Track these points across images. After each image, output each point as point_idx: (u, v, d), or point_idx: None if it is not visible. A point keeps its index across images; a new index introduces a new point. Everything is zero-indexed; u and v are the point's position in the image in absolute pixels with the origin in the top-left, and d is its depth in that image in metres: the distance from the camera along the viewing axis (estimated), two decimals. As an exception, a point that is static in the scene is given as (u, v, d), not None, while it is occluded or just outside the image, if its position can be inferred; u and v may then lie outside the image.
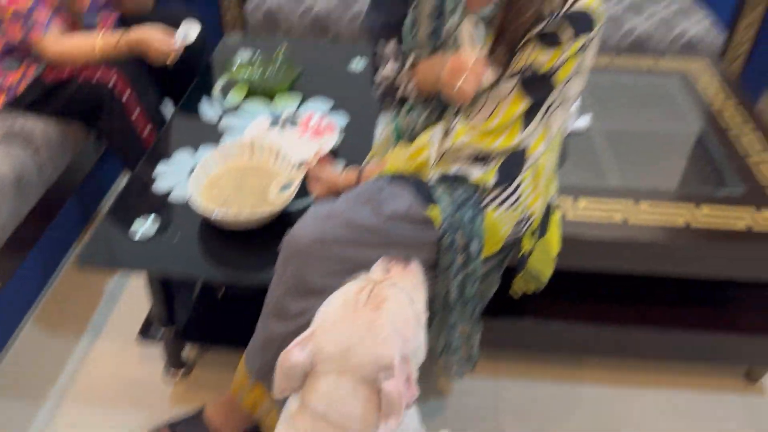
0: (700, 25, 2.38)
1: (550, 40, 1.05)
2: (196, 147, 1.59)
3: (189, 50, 1.76)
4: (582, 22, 1.04)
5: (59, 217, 1.83)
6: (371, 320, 0.86)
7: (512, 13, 1.03)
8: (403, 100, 1.28)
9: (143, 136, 1.72)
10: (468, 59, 1.05)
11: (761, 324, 1.54)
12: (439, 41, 1.16)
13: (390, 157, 1.24)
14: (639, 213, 1.42)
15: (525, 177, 1.18)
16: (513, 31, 1.04)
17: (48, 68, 1.69)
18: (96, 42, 1.64)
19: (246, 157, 1.49)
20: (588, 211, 1.42)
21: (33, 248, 1.71)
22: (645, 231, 1.39)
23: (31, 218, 1.66)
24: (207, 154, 1.46)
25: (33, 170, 1.65)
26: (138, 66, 1.73)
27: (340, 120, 1.71)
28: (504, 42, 1.06)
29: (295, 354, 0.87)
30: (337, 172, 1.34)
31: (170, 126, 1.68)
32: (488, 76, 1.07)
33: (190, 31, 1.72)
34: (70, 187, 1.88)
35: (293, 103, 1.78)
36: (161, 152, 1.57)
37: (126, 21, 1.86)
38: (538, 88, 1.08)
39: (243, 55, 1.95)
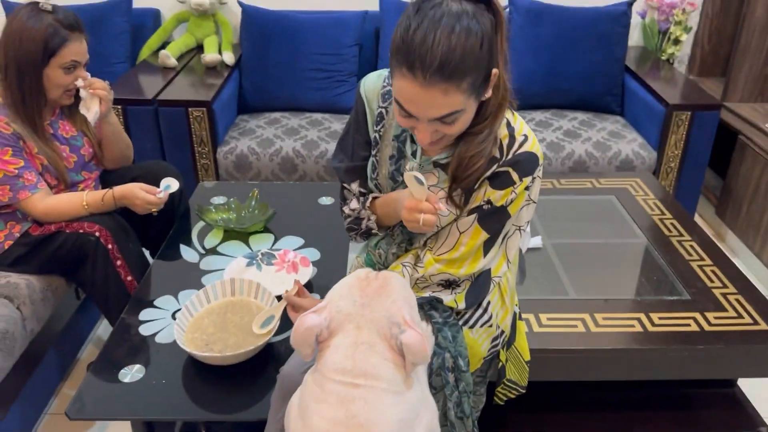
0: (632, 145, 2.64)
1: (500, 182, 1.18)
2: (177, 291, 1.67)
3: (169, 198, 1.89)
4: (525, 165, 1.17)
5: (39, 368, 1.85)
6: (381, 287, 1.00)
7: (464, 164, 1.16)
8: (368, 233, 1.40)
9: (125, 285, 1.79)
10: (420, 200, 1.15)
11: (725, 420, 1.62)
12: (398, 182, 1.30)
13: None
14: (598, 322, 1.53)
15: (493, 296, 1.29)
16: (467, 179, 1.17)
17: (34, 224, 1.78)
18: (84, 197, 1.76)
19: (227, 295, 1.57)
20: (551, 324, 1.53)
21: (15, 400, 1.71)
22: (605, 338, 1.49)
23: (15, 371, 1.68)
24: (189, 297, 1.53)
25: (17, 326, 1.69)
26: (119, 216, 1.84)
27: (312, 255, 1.82)
28: (460, 186, 1.19)
29: (310, 318, 0.97)
30: (316, 301, 1.43)
31: (152, 272, 1.76)
32: (442, 209, 1.19)
33: (172, 183, 1.85)
34: (51, 338, 1.91)
35: (267, 242, 1.89)
36: (144, 298, 1.64)
37: (108, 176, 1.99)
38: (494, 220, 1.21)
39: (217, 200, 2.08)
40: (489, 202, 1.19)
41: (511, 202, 1.19)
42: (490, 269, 1.26)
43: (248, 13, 2.88)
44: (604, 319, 1.54)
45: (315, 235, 1.92)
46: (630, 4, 2.87)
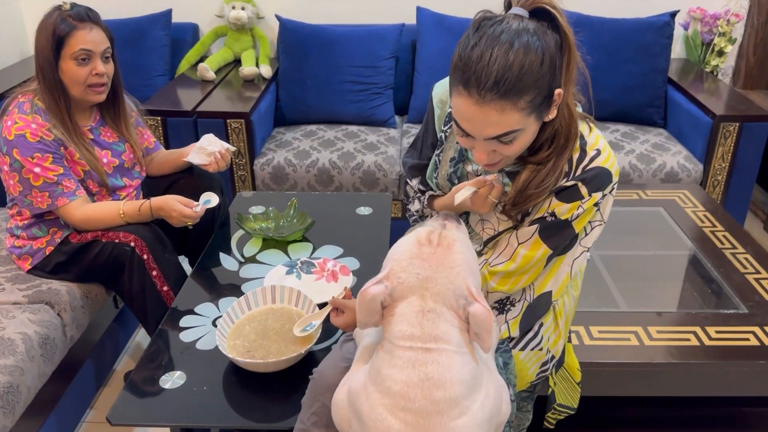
0: (677, 157, 2.57)
1: (567, 195, 1.12)
2: (218, 298, 1.65)
3: (208, 210, 1.88)
4: (596, 181, 1.11)
5: (77, 377, 1.84)
6: (445, 256, 0.96)
7: (525, 195, 1.11)
8: None
9: (162, 296, 1.78)
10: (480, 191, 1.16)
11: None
12: (455, 184, 1.26)
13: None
14: (652, 335, 1.47)
15: (546, 318, 1.23)
16: (526, 205, 1.13)
17: (74, 232, 1.78)
18: (121, 207, 1.75)
19: (268, 303, 1.54)
20: (603, 337, 1.47)
21: (53, 409, 1.70)
22: (660, 352, 1.42)
23: (54, 379, 1.67)
24: (230, 304, 1.51)
25: (58, 332, 1.69)
26: (155, 227, 1.83)
27: (351, 264, 1.79)
28: (526, 199, 1.13)
29: (374, 288, 0.95)
30: None
31: (192, 280, 1.75)
32: (497, 177, 1.18)
33: (212, 198, 1.83)
34: (90, 347, 1.90)
35: (306, 251, 1.87)
36: (185, 305, 1.62)
37: (150, 182, 1.99)
38: (557, 235, 1.14)
39: (256, 209, 2.07)
40: (553, 214, 1.13)
41: (577, 217, 1.13)
42: (551, 291, 1.20)
43: (286, 26, 2.90)
44: (658, 332, 1.48)
45: (353, 245, 1.89)
46: (673, 15, 2.81)
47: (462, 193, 1.16)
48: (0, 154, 1.68)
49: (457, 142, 1.24)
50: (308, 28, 2.90)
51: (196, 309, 1.61)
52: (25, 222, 1.78)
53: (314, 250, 1.88)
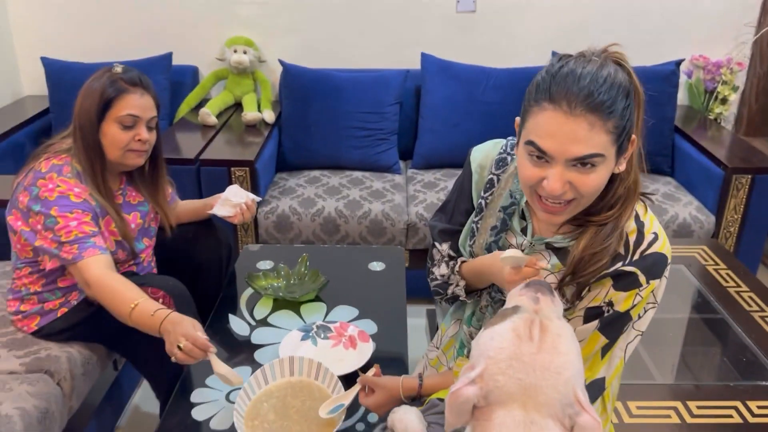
0: (689, 208, 2.53)
1: (625, 284, 1.06)
2: (229, 366, 1.55)
3: (216, 260, 1.80)
4: (654, 268, 1.06)
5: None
6: (551, 359, 0.85)
7: (585, 259, 1.05)
8: (454, 299, 1.33)
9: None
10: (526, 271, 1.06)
11: None
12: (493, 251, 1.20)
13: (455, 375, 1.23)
14: (693, 412, 1.40)
15: (594, 403, 1.16)
16: (586, 275, 1.06)
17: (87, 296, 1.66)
18: (137, 298, 1.49)
19: (286, 375, 1.45)
20: (643, 414, 1.40)
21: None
22: (704, 431, 1.36)
23: (53, 451, 1.56)
24: (243, 375, 1.42)
25: (58, 404, 1.58)
26: (180, 283, 1.73)
27: (369, 328, 1.71)
28: (577, 281, 1.07)
29: (467, 390, 0.85)
30: (396, 381, 1.31)
31: (201, 346, 1.65)
32: (545, 266, 1.11)
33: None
34: (89, 413, 1.79)
35: (320, 313, 1.79)
36: (195, 376, 1.53)
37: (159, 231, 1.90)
38: (616, 326, 1.09)
39: (264, 265, 1.99)
40: (610, 304, 1.07)
41: (636, 305, 1.07)
42: (604, 378, 1.13)
43: (289, 71, 2.85)
44: (698, 407, 1.41)
45: (369, 306, 1.81)
46: (678, 64, 2.81)
47: (511, 252, 1.06)
48: (31, 213, 1.56)
49: (500, 210, 1.18)
50: (311, 73, 2.85)
51: (208, 381, 1.52)
52: (38, 287, 1.68)
53: (328, 311, 1.79)
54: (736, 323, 1.71)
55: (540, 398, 0.84)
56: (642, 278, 1.05)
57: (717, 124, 3.03)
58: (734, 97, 3.08)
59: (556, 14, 2.96)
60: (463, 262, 1.29)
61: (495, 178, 1.21)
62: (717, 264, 2.00)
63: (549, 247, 1.13)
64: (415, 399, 1.29)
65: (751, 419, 1.38)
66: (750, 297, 1.82)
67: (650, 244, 1.05)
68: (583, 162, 0.96)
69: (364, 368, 1.52)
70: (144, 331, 1.48)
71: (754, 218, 2.50)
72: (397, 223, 2.53)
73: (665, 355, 1.62)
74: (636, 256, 1.05)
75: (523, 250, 1.16)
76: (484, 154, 1.25)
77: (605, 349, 1.10)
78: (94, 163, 1.62)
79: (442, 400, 1.20)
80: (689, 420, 1.38)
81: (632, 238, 1.05)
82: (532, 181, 1.02)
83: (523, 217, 1.18)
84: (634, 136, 1.02)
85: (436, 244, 1.34)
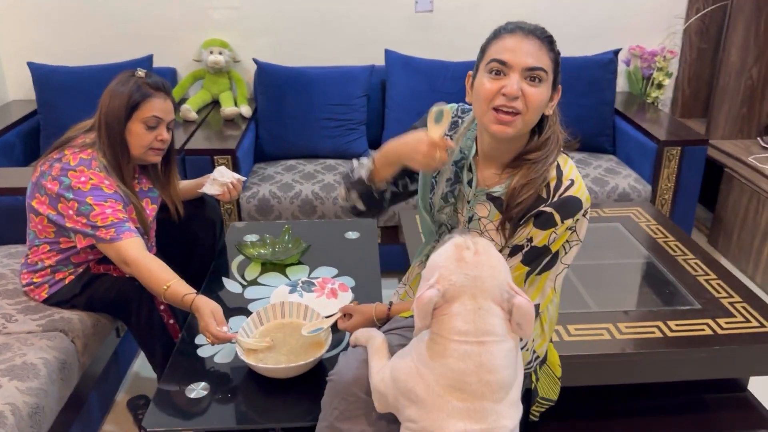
0: (628, 180, 2.84)
1: (543, 222, 1.28)
2: (227, 318, 1.75)
3: (209, 235, 2.01)
4: (568, 208, 1.27)
5: (85, 405, 1.92)
6: (486, 257, 1.13)
7: (516, 193, 1.29)
8: (361, 188, 1.46)
9: (168, 329, 1.85)
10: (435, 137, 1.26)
11: (739, 421, 1.75)
12: (449, 203, 1.45)
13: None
14: (622, 330, 1.67)
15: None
16: (516, 208, 1.30)
17: (93, 263, 1.87)
18: (170, 283, 1.67)
19: (278, 317, 1.68)
20: (579, 333, 1.66)
21: (70, 432, 1.78)
22: (630, 344, 1.63)
23: (67, 406, 1.75)
24: (239, 322, 1.65)
25: (73, 358, 1.78)
26: (162, 261, 1.93)
27: (348, 282, 1.95)
28: (510, 215, 1.32)
29: (429, 292, 1.10)
30: (370, 307, 1.56)
31: (199, 302, 1.87)
32: (452, 145, 1.33)
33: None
34: (95, 376, 1.99)
35: (304, 273, 2.02)
36: (197, 325, 1.75)
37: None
38: (534, 258, 1.32)
39: (251, 237, 2.21)
40: (530, 240, 1.31)
41: (553, 241, 1.31)
42: (539, 304, 1.37)
43: (263, 69, 3.08)
44: (626, 327, 1.68)
45: (347, 266, 2.05)
46: (616, 53, 3.13)
47: (440, 105, 1.29)
48: (62, 200, 1.73)
49: (453, 163, 1.42)
50: (285, 71, 3.09)
51: (208, 328, 1.74)
52: (52, 261, 1.86)
53: (311, 271, 2.03)
54: (662, 264, 2.00)
55: (485, 286, 1.11)
56: (557, 217, 1.29)
57: (654, 107, 3.35)
58: (669, 83, 3.41)
59: (504, 11, 3.25)
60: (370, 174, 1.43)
61: (449, 137, 1.44)
62: (648, 221, 2.29)
63: (490, 198, 1.37)
64: (386, 322, 1.54)
65: (669, 334, 1.66)
66: (675, 245, 2.11)
67: (566, 189, 1.30)
68: (533, 75, 1.23)
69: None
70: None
71: (686, 186, 2.81)
72: (369, 203, 2.78)
73: (601, 291, 1.89)
74: (555, 199, 1.29)
75: (468, 201, 1.41)
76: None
77: (528, 275, 1.34)
78: (121, 158, 1.80)
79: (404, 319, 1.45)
80: (618, 336, 1.65)
81: (552, 184, 1.30)
82: (492, 93, 1.24)
83: (470, 169, 1.41)
84: (560, 87, 1.30)
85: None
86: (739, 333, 1.66)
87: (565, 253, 1.36)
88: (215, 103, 3.27)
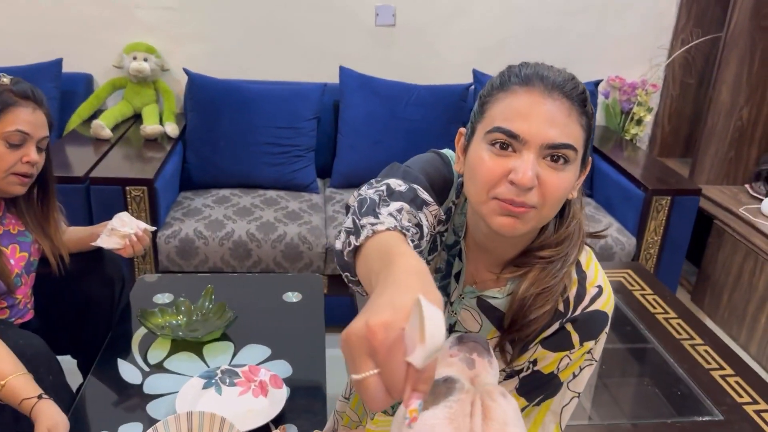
0: (610, 231, 2.50)
1: (554, 342, 0.93)
2: (117, 425, 1.32)
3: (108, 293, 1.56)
4: (592, 328, 0.93)
5: None
6: None
7: (528, 304, 0.90)
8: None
9: None
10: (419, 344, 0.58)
11: None
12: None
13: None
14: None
15: None
16: (528, 326, 0.91)
17: None
18: (6, 376, 1.24)
19: (183, 436, 1.25)
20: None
21: None
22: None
23: None
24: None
25: None
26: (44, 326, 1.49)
27: (282, 371, 1.52)
28: (516, 336, 0.92)
29: None
30: None
31: (85, 397, 1.41)
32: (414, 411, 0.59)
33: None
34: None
35: (226, 354, 1.58)
36: (73, 437, 1.29)
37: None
38: (539, 388, 0.95)
39: (162, 298, 1.76)
40: (534, 362, 0.94)
41: (565, 367, 0.94)
42: None
43: (195, 81, 2.63)
44: (640, 451, 1.32)
45: (283, 344, 1.62)
46: (596, 84, 2.81)
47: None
48: None
49: (444, 249, 0.99)
50: (220, 84, 2.64)
51: (91, 441, 1.29)
52: None
53: (236, 352, 1.59)
54: (667, 353, 1.65)
55: None
56: (575, 338, 0.92)
57: (633, 144, 3.05)
58: (649, 118, 3.12)
59: (475, 33, 2.89)
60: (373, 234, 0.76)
61: (453, 207, 0.99)
62: (643, 289, 1.96)
63: (482, 304, 0.97)
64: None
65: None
66: (678, 324, 1.78)
67: (593, 300, 0.92)
68: (557, 154, 0.81)
69: (277, 420, 1.33)
70: None
71: (673, 239, 2.50)
72: (315, 247, 2.35)
73: (599, 389, 1.53)
74: (576, 313, 0.92)
75: (452, 303, 1.01)
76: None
77: (523, 409, 0.96)
78: None
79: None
80: (631, 466, 1.28)
81: (572, 293, 0.92)
82: (495, 178, 0.82)
83: (459, 257, 0.99)
84: (590, 159, 0.90)
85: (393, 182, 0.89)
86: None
87: (574, 377, 0.97)
88: (137, 118, 2.79)
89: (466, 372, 0.76)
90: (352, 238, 0.76)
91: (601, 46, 3.03)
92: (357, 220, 0.78)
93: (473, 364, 0.76)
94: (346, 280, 0.83)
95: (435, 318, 0.55)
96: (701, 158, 2.85)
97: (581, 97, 0.83)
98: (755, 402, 1.49)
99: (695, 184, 2.67)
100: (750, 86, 2.73)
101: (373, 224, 0.75)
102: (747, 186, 2.83)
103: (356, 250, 0.76)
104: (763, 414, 1.45)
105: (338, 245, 0.79)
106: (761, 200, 2.64)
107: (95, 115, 2.69)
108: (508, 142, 0.82)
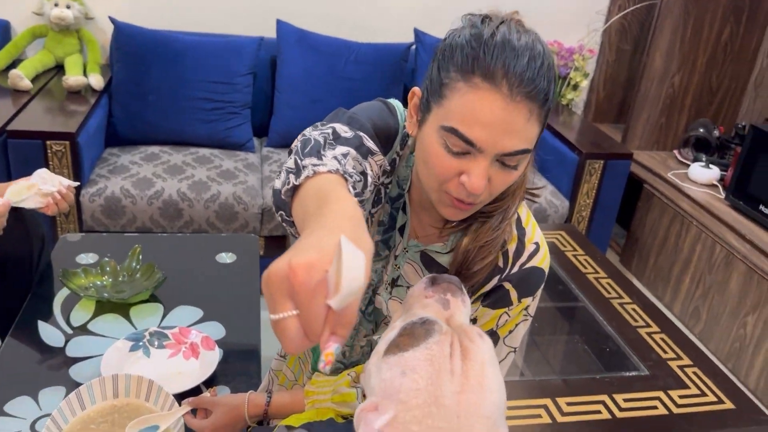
0: (544, 193, 2.54)
1: (494, 300, 0.93)
2: (37, 390, 1.26)
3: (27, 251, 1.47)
4: (530, 284, 0.93)
5: None
6: (478, 400, 0.66)
7: (471, 257, 0.89)
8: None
9: None
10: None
11: None
12: (381, 256, 0.99)
13: (311, 397, 1.05)
14: (563, 410, 1.34)
15: None
16: (472, 278, 0.90)
17: None
18: None
19: (109, 398, 1.19)
20: (513, 413, 1.31)
21: None
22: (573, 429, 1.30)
23: None
24: (55, 400, 1.14)
25: None
26: None
27: (215, 333, 1.48)
28: (470, 265, 0.91)
29: (377, 420, 0.66)
30: (240, 398, 1.11)
31: (1, 361, 1.33)
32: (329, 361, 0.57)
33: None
34: None
35: (155, 316, 1.52)
36: (-11, 403, 1.22)
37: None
38: None
39: (86, 258, 1.68)
40: (474, 321, 0.94)
41: (503, 324, 0.95)
42: None
43: (122, 31, 2.48)
44: (567, 404, 1.35)
45: (215, 306, 1.57)
46: (536, 48, 2.81)
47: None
48: None
49: (388, 201, 0.96)
50: (150, 35, 2.50)
51: (7, 407, 1.21)
52: None
53: (165, 314, 1.53)
54: (597, 311, 1.69)
55: None
56: (513, 295, 0.93)
57: (569, 109, 3.09)
58: (585, 84, 3.16)
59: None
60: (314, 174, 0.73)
61: (397, 158, 0.95)
62: (575, 250, 2.00)
63: (424, 259, 0.96)
64: (262, 421, 1.10)
65: (618, 414, 1.35)
66: (608, 284, 1.83)
67: (530, 257, 0.92)
68: (509, 159, 0.79)
69: (208, 382, 1.30)
70: None
71: (605, 202, 2.56)
72: (251, 207, 2.29)
73: (531, 346, 1.56)
74: (515, 270, 0.92)
75: (396, 256, 0.99)
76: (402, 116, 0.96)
77: None
78: None
79: (290, 429, 1.00)
80: (560, 419, 1.31)
81: (511, 248, 0.92)
82: (448, 175, 0.80)
83: (404, 209, 0.97)
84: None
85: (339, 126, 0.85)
86: (696, 412, 1.38)
87: (510, 333, 0.98)
88: (60, 69, 2.62)
89: (442, 313, 0.75)
90: (292, 177, 0.74)
91: (540, 10, 3.03)
92: (299, 160, 0.75)
93: (448, 305, 0.76)
94: (280, 219, 0.81)
95: (356, 261, 0.54)
96: (634, 124, 2.92)
97: (544, 93, 0.77)
98: (679, 357, 1.55)
99: (627, 148, 2.74)
100: (682, 54, 2.80)
101: (315, 165, 0.73)
102: (676, 152, 2.93)
103: (295, 189, 0.73)
104: (686, 369, 1.52)
105: (277, 184, 0.78)
106: (689, 165, 2.74)
107: (13, 65, 2.51)
108: (463, 149, 0.78)
